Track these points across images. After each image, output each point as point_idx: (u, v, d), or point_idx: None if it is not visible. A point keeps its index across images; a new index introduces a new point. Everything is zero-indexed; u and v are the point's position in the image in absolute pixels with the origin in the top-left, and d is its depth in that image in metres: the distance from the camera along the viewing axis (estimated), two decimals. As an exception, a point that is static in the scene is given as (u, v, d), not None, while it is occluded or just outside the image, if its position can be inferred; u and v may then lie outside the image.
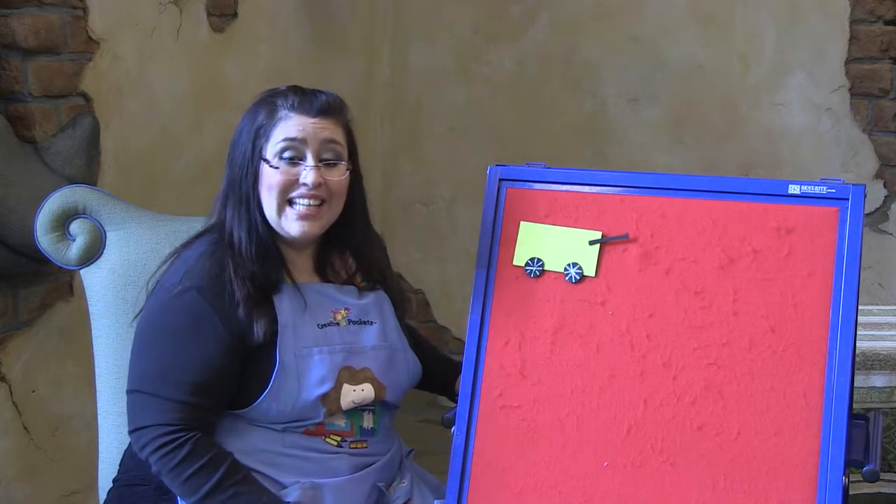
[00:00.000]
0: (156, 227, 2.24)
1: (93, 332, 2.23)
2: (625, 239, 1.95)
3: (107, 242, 2.22)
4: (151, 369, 1.93)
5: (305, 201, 1.97)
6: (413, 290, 4.57)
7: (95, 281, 2.22)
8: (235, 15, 3.59)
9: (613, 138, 4.21)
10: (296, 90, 2.01)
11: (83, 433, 2.98)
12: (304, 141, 1.97)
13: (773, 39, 3.95)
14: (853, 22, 3.82)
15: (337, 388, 1.97)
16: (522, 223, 2.01)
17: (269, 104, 2.00)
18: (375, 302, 2.08)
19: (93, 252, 2.22)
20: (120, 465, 2.11)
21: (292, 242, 2.02)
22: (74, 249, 2.21)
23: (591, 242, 1.96)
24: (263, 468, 1.94)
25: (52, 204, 2.21)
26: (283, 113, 1.98)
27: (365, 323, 2.05)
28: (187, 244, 2.03)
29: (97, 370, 2.23)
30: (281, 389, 1.93)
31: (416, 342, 2.25)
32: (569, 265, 1.97)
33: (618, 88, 4.19)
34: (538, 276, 1.98)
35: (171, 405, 1.90)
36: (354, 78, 4.31)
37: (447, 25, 4.38)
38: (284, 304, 1.98)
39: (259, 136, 1.98)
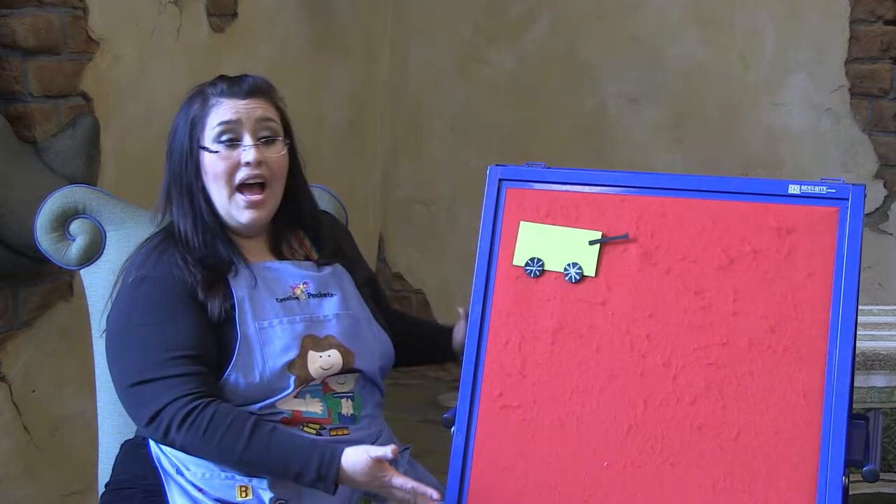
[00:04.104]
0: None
1: (93, 332, 2.23)
2: (625, 239, 1.95)
3: (107, 242, 2.22)
4: (143, 358, 1.93)
5: (250, 190, 2.02)
6: (413, 290, 4.57)
7: (95, 281, 2.22)
8: (235, 15, 3.59)
9: (613, 138, 4.21)
10: (223, 78, 2.07)
11: (83, 433, 2.98)
12: (238, 122, 2.02)
13: (773, 39, 3.95)
14: (853, 22, 3.82)
15: (302, 356, 1.98)
16: (522, 223, 2.01)
17: (200, 95, 2.05)
18: (334, 275, 2.11)
19: (93, 252, 2.22)
20: (112, 469, 2.11)
21: (242, 230, 2.07)
22: (74, 249, 2.21)
23: (591, 242, 1.96)
24: None
25: (52, 204, 2.21)
26: (214, 100, 2.04)
27: (325, 295, 2.07)
28: (138, 249, 2.07)
29: (97, 370, 2.23)
30: (246, 361, 1.95)
31: (405, 321, 2.30)
32: (569, 265, 1.97)
33: (618, 88, 4.19)
34: (538, 276, 1.98)
35: (179, 380, 1.90)
36: (354, 78, 4.31)
37: (447, 25, 4.38)
38: (240, 282, 2.01)
39: (195, 126, 2.03)
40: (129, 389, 1.95)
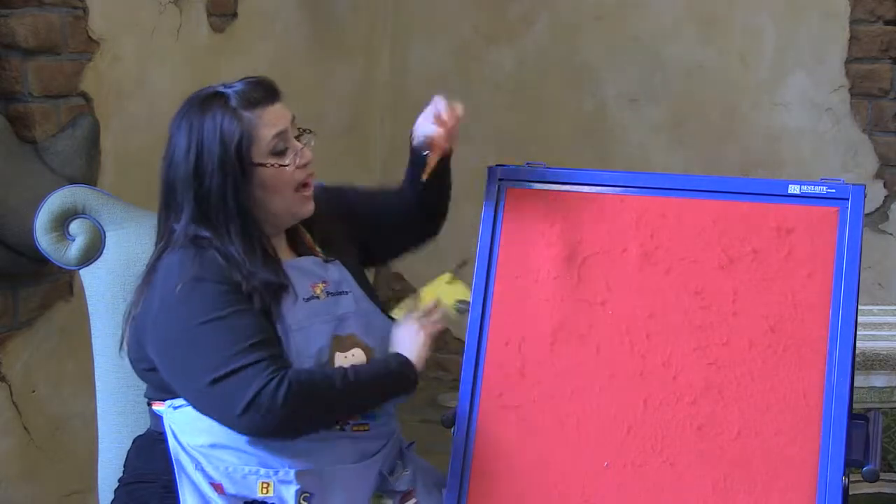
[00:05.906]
0: (155, 227, 2.23)
1: (92, 331, 2.23)
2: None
3: (106, 242, 2.22)
4: (219, 353, 1.89)
5: (305, 186, 2.02)
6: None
7: (95, 281, 2.22)
8: (235, 15, 3.59)
9: (613, 138, 4.20)
10: (241, 85, 2.00)
11: (83, 433, 2.98)
12: (286, 129, 2.00)
13: (773, 39, 3.95)
14: (853, 22, 3.81)
15: (330, 358, 1.98)
16: None
17: (222, 108, 1.97)
18: (341, 272, 2.11)
19: (92, 252, 2.22)
20: (124, 466, 2.10)
21: (290, 223, 2.06)
22: (74, 249, 2.21)
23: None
24: (266, 455, 1.93)
25: (52, 204, 2.21)
26: (251, 113, 1.97)
27: (341, 293, 2.07)
28: (152, 267, 2.00)
29: (97, 370, 2.23)
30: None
31: (386, 197, 2.35)
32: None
33: (618, 88, 4.18)
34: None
35: (262, 364, 1.87)
36: (354, 78, 4.31)
37: (447, 25, 4.38)
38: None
39: (242, 143, 1.95)
40: (210, 388, 1.89)
